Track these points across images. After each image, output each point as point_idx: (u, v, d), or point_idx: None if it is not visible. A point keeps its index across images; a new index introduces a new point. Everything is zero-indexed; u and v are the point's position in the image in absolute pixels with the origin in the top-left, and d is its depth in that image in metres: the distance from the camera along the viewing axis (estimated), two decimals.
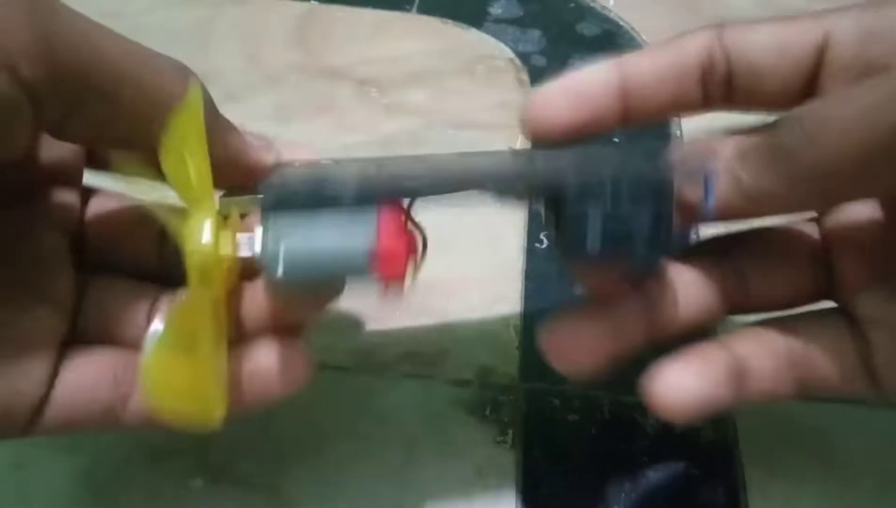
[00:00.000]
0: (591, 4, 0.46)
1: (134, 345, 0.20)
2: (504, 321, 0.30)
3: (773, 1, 0.45)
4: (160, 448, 0.26)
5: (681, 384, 0.21)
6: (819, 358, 0.22)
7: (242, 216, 0.19)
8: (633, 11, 0.44)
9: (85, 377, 0.19)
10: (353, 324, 0.30)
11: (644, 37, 0.43)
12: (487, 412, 0.28)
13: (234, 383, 0.20)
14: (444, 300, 0.31)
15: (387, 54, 0.41)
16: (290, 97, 0.38)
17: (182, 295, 0.18)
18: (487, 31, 0.43)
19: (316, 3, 0.44)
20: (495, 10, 0.45)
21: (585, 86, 0.22)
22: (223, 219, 0.18)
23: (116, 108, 0.18)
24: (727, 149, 0.20)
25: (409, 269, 0.17)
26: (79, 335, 0.20)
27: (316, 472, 0.26)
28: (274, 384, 0.20)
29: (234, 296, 0.20)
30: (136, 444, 0.26)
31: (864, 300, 0.22)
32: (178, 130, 0.18)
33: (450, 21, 0.44)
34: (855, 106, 0.18)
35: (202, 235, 0.17)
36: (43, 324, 0.19)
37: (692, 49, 0.22)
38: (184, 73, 0.20)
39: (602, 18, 0.45)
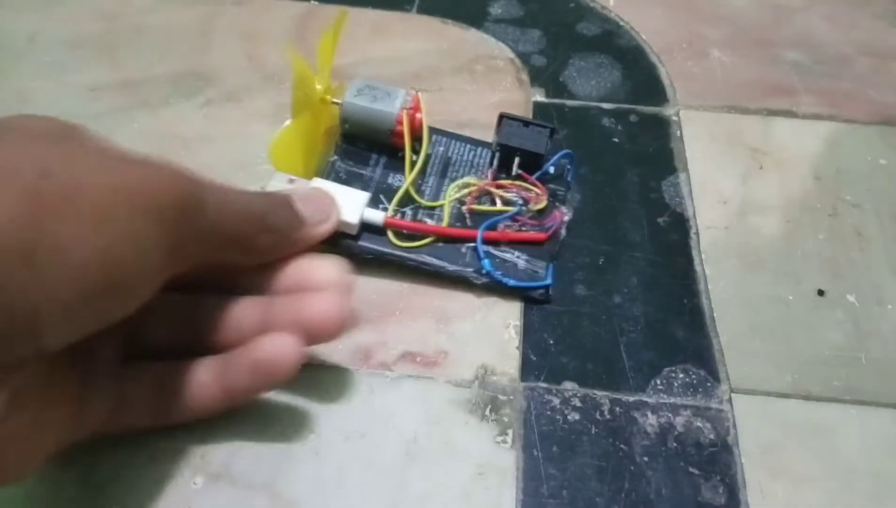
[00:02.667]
0: (591, 4, 0.46)
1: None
2: (504, 320, 0.30)
3: (770, 1, 0.46)
4: (160, 448, 0.26)
5: None
6: None
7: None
8: (633, 11, 0.44)
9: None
10: (353, 324, 0.30)
11: (644, 37, 0.43)
12: (487, 412, 0.28)
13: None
14: (444, 300, 0.31)
15: (387, 54, 0.41)
16: (290, 97, 0.38)
17: (302, 115, 0.33)
18: (487, 31, 0.43)
19: (316, 3, 0.44)
20: (495, 10, 0.45)
21: None
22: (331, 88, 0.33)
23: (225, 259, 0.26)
24: None
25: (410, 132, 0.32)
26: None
27: (316, 472, 0.26)
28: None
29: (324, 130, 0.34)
30: (136, 444, 0.26)
31: None
32: (327, 36, 0.33)
33: (450, 21, 0.44)
34: None
35: (319, 84, 0.33)
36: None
37: None
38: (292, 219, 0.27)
39: (602, 18, 0.45)
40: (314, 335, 0.25)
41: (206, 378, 0.25)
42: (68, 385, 0.23)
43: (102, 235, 0.20)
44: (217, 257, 0.25)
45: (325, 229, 0.28)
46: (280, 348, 0.24)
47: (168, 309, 0.26)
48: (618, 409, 0.28)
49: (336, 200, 0.29)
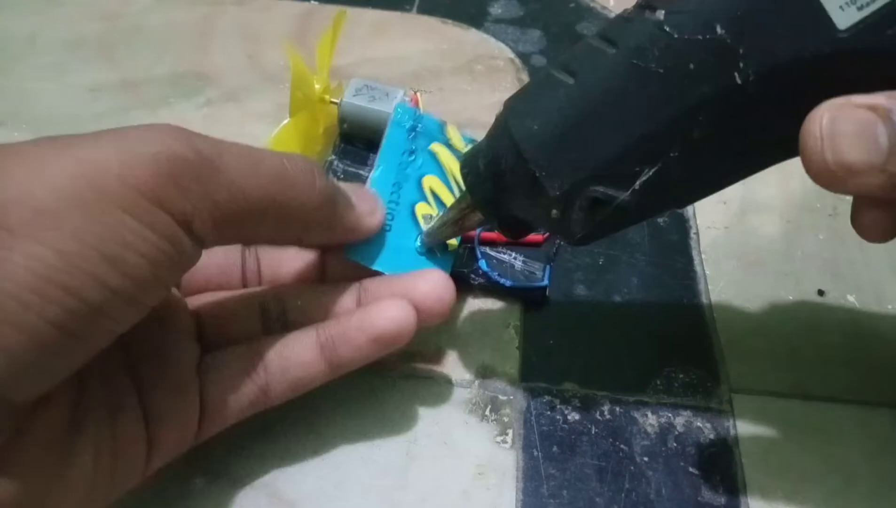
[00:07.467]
0: (591, 4, 0.46)
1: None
2: (504, 320, 0.30)
3: None
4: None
5: None
6: None
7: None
8: None
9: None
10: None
11: None
12: (487, 412, 0.28)
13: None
14: None
15: (387, 54, 0.41)
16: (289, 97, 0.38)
17: (300, 114, 0.33)
18: (487, 31, 0.43)
19: (316, 3, 0.44)
20: (495, 10, 0.45)
21: None
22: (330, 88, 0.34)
23: (262, 229, 0.22)
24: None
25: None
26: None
27: (316, 472, 0.26)
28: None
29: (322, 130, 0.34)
30: None
31: None
32: (326, 37, 0.33)
33: (450, 21, 0.44)
34: None
35: (318, 84, 0.33)
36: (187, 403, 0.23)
37: None
38: (310, 172, 0.22)
39: (602, 18, 0.45)
40: (423, 319, 0.24)
41: (308, 355, 0.24)
42: (119, 422, 0.21)
43: (52, 252, 0.16)
44: (254, 225, 0.21)
45: (375, 219, 0.26)
46: (400, 315, 0.24)
47: (243, 305, 0.26)
48: (618, 409, 0.28)
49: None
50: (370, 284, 0.26)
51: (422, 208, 0.28)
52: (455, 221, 0.26)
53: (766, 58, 0.18)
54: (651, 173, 0.20)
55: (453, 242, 0.28)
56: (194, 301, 0.25)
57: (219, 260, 0.27)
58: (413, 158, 0.28)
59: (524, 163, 0.22)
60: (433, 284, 0.25)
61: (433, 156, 0.28)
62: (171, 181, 0.18)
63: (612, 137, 0.20)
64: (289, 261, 0.27)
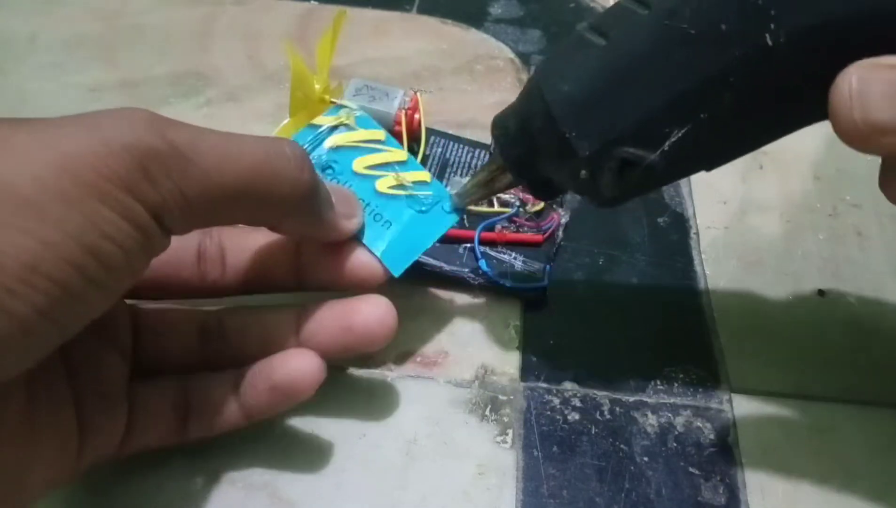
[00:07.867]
0: (591, 4, 0.46)
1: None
2: (504, 320, 0.30)
3: None
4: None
5: None
6: None
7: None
8: None
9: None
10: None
11: None
12: (487, 412, 0.28)
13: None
14: (444, 301, 0.31)
15: (387, 54, 0.41)
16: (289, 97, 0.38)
17: (301, 115, 0.31)
18: (487, 31, 0.43)
19: (316, 3, 0.44)
20: (495, 10, 0.45)
21: None
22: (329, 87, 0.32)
23: (235, 216, 0.22)
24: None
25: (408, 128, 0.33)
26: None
27: (316, 472, 0.26)
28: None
29: None
30: None
31: None
32: (326, 37, 0.31)
33: (450, 21, 0.44)
34: None
35: (318, 84, 0.31)
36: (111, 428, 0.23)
37: None
38: (297, 162, 0.22)
39: None
40: (362, 344, 0.24)
41: (224, 396, 0.24)
42: (60, 414, 0.21)
43: (37, 242, 0.17)
44: (227, 213, 0.21)
45: (352, 224, 0.25)
46: (300, 367, 0.23)
47: (183, 320, 0.25)
48: (618, 409, 0.28)
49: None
50: (312, 308, 0.25)
51: (382, 184, 0.28)
52: (485, 182, 0.26)
53: (797, 19, 0.18)
54: (680, 135, 0.21)
55: (424, 175, 0.28)
56: (136, 309, 0.25)
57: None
58: (331, 168, 0.28)
59: (554, 124, 0.22)
60: (374, 308, 0.24)
61: (338, 149, 0.29)
62: (142, 173, 0.18)
63: (643, 98, 0.21)
64: (257, 252, 0.26)
